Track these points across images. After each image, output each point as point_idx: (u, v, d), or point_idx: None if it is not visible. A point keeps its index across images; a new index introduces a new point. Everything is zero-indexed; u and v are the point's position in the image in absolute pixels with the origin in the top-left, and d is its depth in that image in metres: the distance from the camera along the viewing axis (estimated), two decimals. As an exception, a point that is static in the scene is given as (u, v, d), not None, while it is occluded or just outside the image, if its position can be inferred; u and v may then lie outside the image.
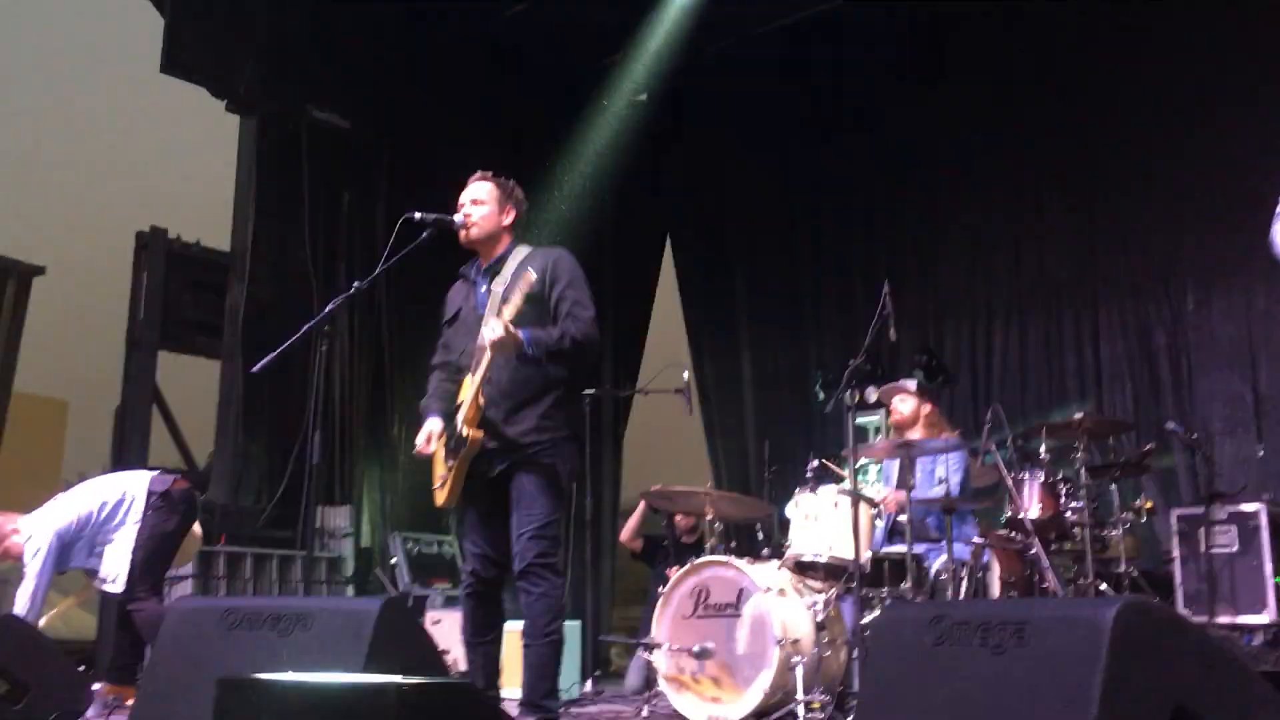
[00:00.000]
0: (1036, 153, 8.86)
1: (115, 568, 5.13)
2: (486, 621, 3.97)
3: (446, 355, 4.13)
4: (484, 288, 4.05)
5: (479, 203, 4.09)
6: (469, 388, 3.87)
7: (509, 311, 3.73)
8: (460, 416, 3.83)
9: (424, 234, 4.13)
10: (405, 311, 8.88)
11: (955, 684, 2.11)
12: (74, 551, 5.16)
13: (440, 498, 3.92)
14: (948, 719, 2.09)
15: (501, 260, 4.05)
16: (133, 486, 5.29)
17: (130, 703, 4.52)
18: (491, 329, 3.72)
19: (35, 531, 5.03)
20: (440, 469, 3.92)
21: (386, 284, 8.66)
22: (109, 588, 5.15)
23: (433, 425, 3.98)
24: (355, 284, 4.28)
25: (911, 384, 6.21)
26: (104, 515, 5.18)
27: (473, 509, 3.96)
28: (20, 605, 4.82)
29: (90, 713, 4.04)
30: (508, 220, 4.11)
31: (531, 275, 3.77)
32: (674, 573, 6.48)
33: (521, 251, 4.07)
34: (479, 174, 4.19)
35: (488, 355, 3.78)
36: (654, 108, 10.67)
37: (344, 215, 8.83)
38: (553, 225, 9.38)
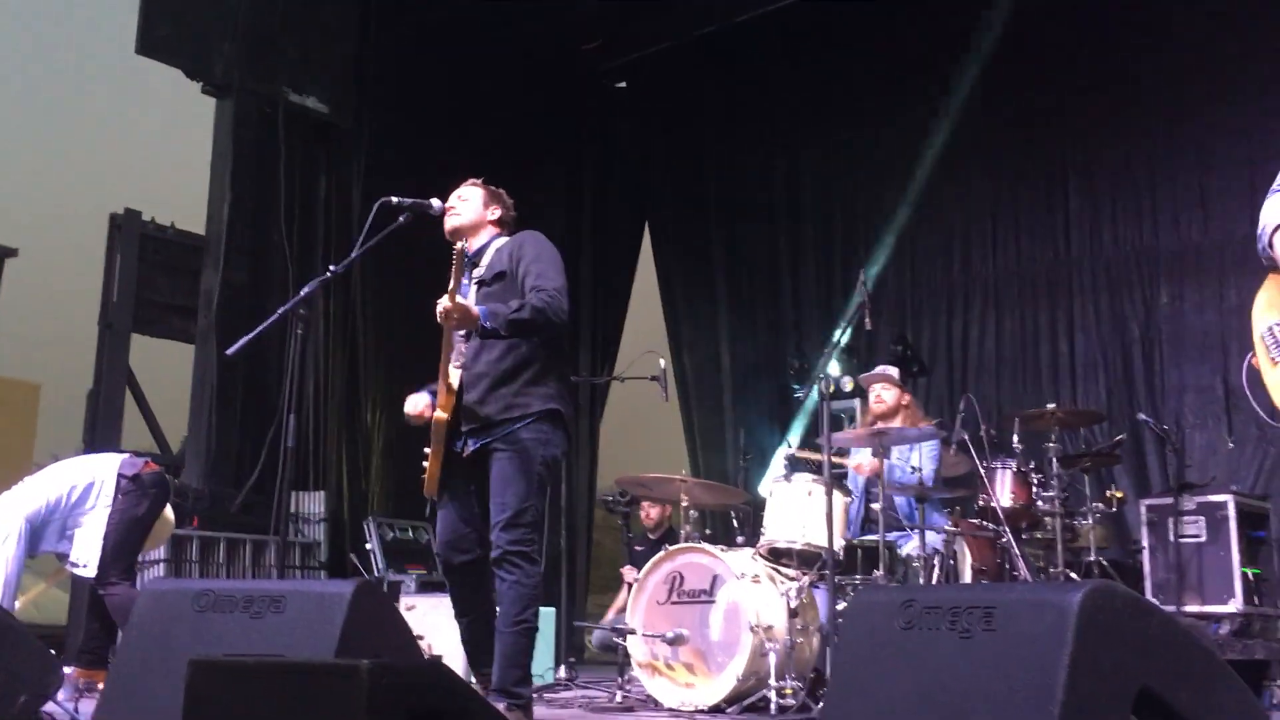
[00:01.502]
0: (1012, 145, 8.93)
1: (86, 551, 5.10)
2: (465, 602, 3.97)
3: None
4: (467, 280, 4.06)
5: (464, 198, 4.14)
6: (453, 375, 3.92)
7: (453, 285, 3.70)
8: (438, 402, 3.87)
9: (400, 218, 4.13)
10: (381, 297, 8.85)
11: (924, 668, 2.13)
12: (44, 535, 5.12)
13: (425, 487, 3.93)
14: (916, 702, 2.11)
15: (480, 252, 4.08)
16: (102, 470, 5.25)
17: (101, 686, 4.52)
18: (438, 306, 3.71)
19: (3, 515, 5.00)
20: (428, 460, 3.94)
21: (362, 269, 8.63)
22: (81, 571, 5.12)
23: (418, 397, 4.02)
24: (330, 268, 4.26)
25: (894, 372, 6.23)
26: (74, 498, 5.14)
27: (446, 492, 3.94)
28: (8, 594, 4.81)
29: (61, 696, 4.01)
30: (491, 216, 4.13)
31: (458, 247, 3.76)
32: (629, 572, 6.55)
33: (499, 242, 4.09)
34: (470, 180, 4.22)
35: (453, 336, 3.81)
36: (633, 96, 10.69)
37: (320, 200, 8.79)
38: (530, 213, 9.34)
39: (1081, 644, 1.90)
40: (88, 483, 5.18)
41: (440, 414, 3.82)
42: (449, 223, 4.08)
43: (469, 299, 3.95)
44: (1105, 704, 1.91)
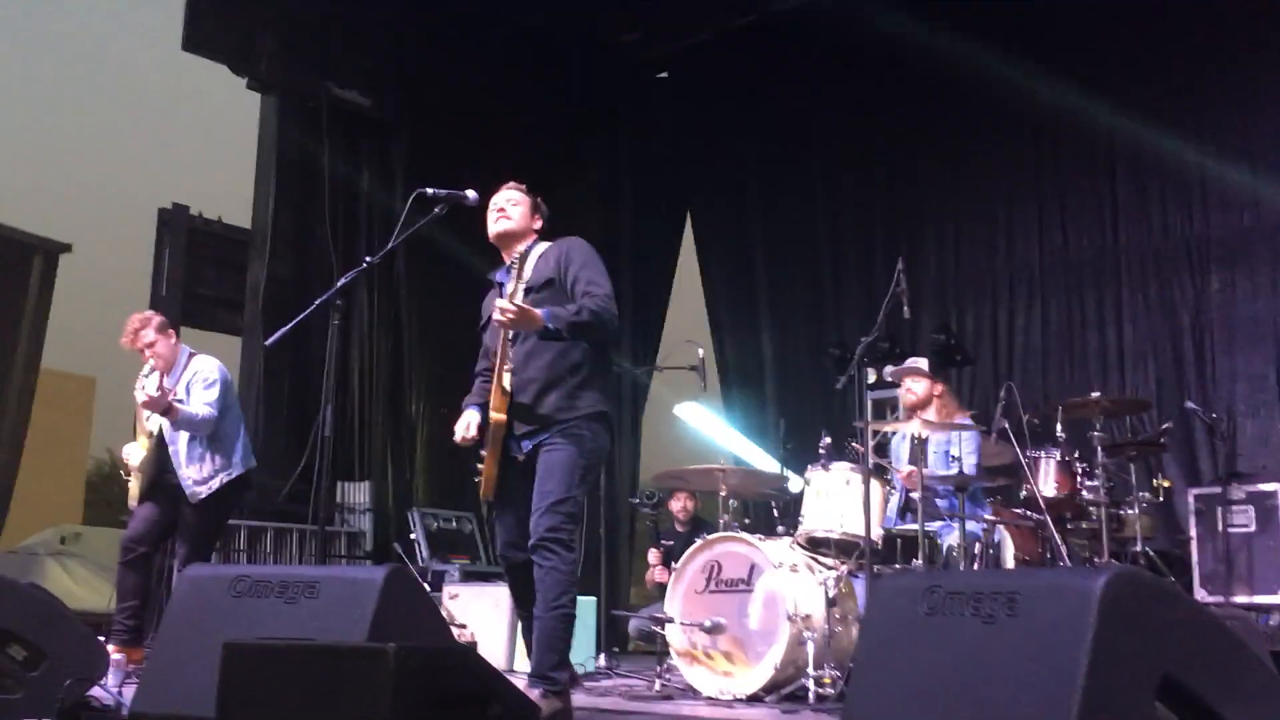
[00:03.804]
0: (1058, 129, 8.79)
1: (209, 476, 5.28)
2: (525, 596, 4.04)
3: (485, 361, 4.26)
4: (509, 287, 4.11)
5: (515, 203, 4.21)
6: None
7: (519, 295, 3.83)
8: (491, 405, 3.95)
9: (436, 209, 4.18)
10: (424, 287, 8.92)
11: (947, 653, 2.12)
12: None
13: (481, 490, 4.04)
14: (938, 688, 2.10)
15: (523, 258, 4.14)
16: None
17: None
18: (498, 308, 3.80)
19: (207, 366, 5.38)
20: (483, 464, 4.04)
21: (406, 260, 8.71)
22: (194, 487, 5.27)
23: (469, 416, 4.13)
24: (367, 258, 4.32)
25: (923, 363, 6.18)
26: (234, 410, 5.48)
27: (504, 493, 4.04)
28: (199, 411, 5.20)
29: (109, 680, 4.10)
30: (535, 225, 4.24)
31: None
32: (654, 555, 6.62)
33: (540, 247, 4.18)
34: (512, 184, 4.28)
35: (504, 341, 3.90)
36: (674, 86, 10.66)
37: (363, 192, 8.87)
38: (570, 203, 9.37)
39: (1104, 630, 1.88)
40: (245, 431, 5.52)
41: (499, 416, 3.92)
42: (500, 227, 4.16)
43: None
44: (1128, 690, 1.89)
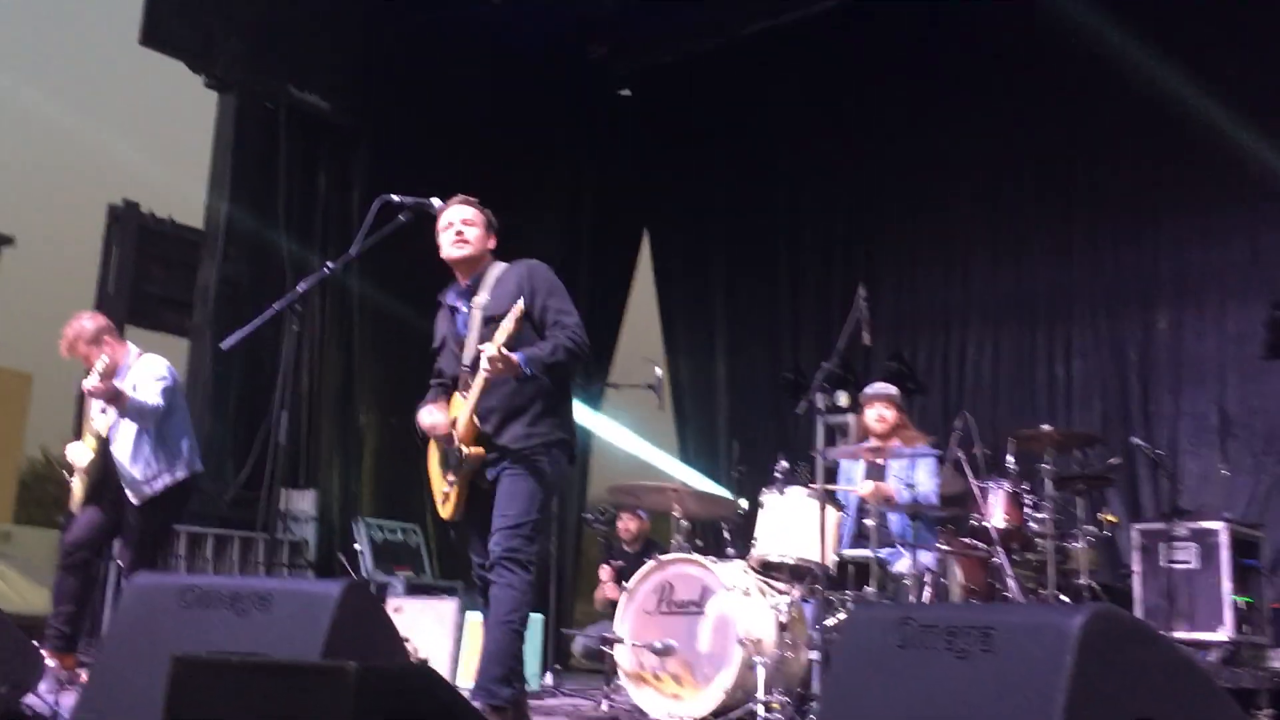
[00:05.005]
0: (1016, 167, 8.92)
1: (154, 476, 5.12)
2: None
3: (439, 379, 4.22)
4: (465, 308, 4.10)
5: (470, 224, 4.11)
6: (460, 407, 3.95)
7: (501, 337, 3.75)
8: (457, 436, 3.92)
9: (401, 217, 4.13)
10: (378, 297, 8.81)
11: (919, 687, 2.10)
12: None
13: (445, 512, 4.04)
14: (910, 721, 2.08)
15: (478, 280, 4.10)
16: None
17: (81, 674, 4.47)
18: (486, 359, 3.74)
19: (156, 363, 5.24)
20: (442, 484, 4.04)
21: (360, 268, 8.59)
22: (138, 488, 5.10)
23: (440, 413, 4.04)
24: (328, 264, 4.23)
25: (895, 391, 6.17)
26: (181, 411, 5.36)
27: (471, 518, 4.05)
28: (148, 399, 5.05)
29: (42, 688, 3.97)
30: (490, 245, 4.17)
31: (520, 306, 3.81)
32: (606, 570, 6.57)
33: (496, 269, 4.12)
34: (461, 198, 4.19)
35: (481, 378, 3.83)
36: (638, 104, 10.67)
37: (319, 197, 8.76)
38: (530, 216, 9.31)
39: (1081, 669, 1.87)
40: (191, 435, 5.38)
41: (477, 450, 3.91)
42: (458, 252, 4.08)
43: (473, 327, 4.01)
44: (1103, 731, 1.89)
